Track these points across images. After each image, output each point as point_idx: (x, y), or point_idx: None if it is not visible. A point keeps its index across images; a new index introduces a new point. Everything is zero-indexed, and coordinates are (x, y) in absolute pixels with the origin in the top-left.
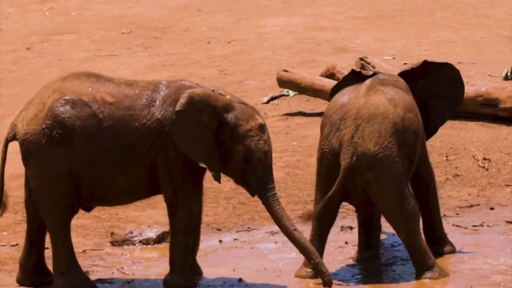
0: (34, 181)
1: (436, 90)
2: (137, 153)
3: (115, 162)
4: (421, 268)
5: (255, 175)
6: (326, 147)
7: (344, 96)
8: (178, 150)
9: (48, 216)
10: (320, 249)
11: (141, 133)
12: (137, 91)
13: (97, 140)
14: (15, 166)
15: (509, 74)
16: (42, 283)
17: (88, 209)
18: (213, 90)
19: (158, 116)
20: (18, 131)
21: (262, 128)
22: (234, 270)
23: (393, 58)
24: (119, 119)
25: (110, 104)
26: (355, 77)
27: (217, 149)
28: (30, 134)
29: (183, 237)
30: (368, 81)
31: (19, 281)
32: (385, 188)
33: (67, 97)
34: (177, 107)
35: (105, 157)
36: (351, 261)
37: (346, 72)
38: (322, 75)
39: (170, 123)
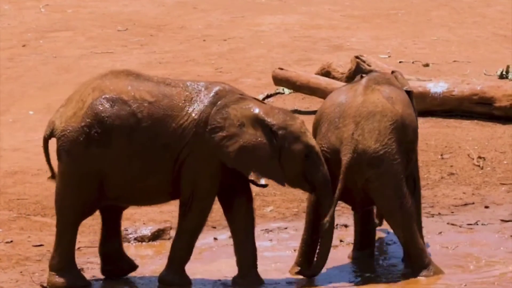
0: (59, 176)
1: None
2: (171, 153)
3: (149, 161)
4: (417, 267)
5: (318, 169)
6: (324, 145)
7: (341, 95)
8: (212, 154)
9: (61, 213)
10: (313, 247)
11: (177, 133)
12: (175, 91)
13: (134, 140)
14: (10, 163)
15: (504, 73)
16: (124, 271)
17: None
18: (241, 95)
19: (195, 117)
20: (56, 128)
21: (304, 124)
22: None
23: (389, 57)
24: (158, 118)
25: (149, 103)
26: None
27: (275, 155)
28: (68, 131)
29: (189, 237)
30: (364, 81)
31: (102, 270)
32: (385, 185)
33: (107, 96)
34: (211, 126)
35: (140, 156)
36: (346, 260)
37: (341, 70)
38: (317, 73)
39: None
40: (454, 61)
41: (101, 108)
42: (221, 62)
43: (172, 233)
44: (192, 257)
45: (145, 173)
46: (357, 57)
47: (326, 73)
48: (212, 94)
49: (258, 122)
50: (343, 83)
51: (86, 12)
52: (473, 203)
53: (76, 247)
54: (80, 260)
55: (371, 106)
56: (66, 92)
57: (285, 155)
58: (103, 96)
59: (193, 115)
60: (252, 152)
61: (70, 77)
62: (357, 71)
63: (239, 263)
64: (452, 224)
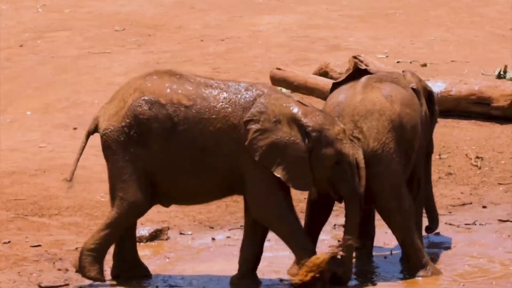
0: (110, 175)
1: None
2: (212, 157)
3: (188, 165)
4: (415, 266)
5: (345, 179)
6: None
7: (341, 94)
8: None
9: (117, 208)
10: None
11: (215, 137)
12: (215, 93)
13: (171, 143)
14: (7, 163)
15: (502, 72)
16: (136, 276)
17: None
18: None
19: (234, 122)
20: (100, 124)
21: (345, 132)
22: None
23: (387, 57)
24: (194, 123)
25: (186, 107)
26: (357, 75)
27: (306, 157)
28: (110, 130)
29: (294, 241)
30: (363, 79)
31: (113, 273)
32: (383, 184)
33: (146, 98)
34: (247, 117)
35: (178, 160)
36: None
37: (339, 70)
38: (315, 73)
39: (246, 135)
40: (452, 61)
41: (139, 110)
42: (219, 62)
43: (170, 233)
44: (189, 257)
45: (187, 176)
46: (355, 57)
47: (323, 73)
48: (249, 96)
49: (294, 121)
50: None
51: (83, 12)
52: (471, 203)
53: (74, 247)
54: None
55: (369, 105)
56: (63, 92)
57: (314, 158)
58: (142, 98)
59: (232, 119)
60: (282, 150)
61: (68, 77)
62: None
63: (240, 262)
64: (450, 224)
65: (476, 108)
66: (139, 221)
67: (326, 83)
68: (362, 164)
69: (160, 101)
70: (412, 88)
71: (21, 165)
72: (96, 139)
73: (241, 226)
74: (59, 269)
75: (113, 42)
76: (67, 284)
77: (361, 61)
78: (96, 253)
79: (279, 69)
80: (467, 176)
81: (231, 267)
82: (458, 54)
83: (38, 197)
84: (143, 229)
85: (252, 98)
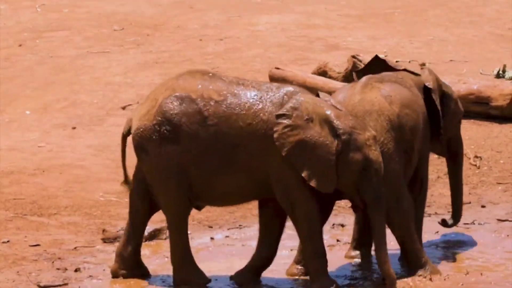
0: (149, 176)
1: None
2: (241, 153)
3: (218, 161)
4: (414, 266)
5: (371, 186)
6: None
7: (340, 94)
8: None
9: (167, 209)
10: None
11: (245, 133)
12: (246, 90)
13: (201, 138)
14: (6, 163)
15: (500, 72)
16: (136, 275)
17: (198, 207)
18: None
19: (264, 118)
20: (132, 125)
21: (376, 139)
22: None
23: (385, 56)
24: (224, 117)
25: (216, 102)
26: (379, 64)
27: (333, 158)
28: (141, 129)
29: (310, 243)
30: (364, 78)
31: (114, 271)
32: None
33: (177, 94)
34: (280, 111)
35: (208, 155)
36: (343, 259)
37: (338, 70)
38: (314, 73)
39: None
40: (451, 60)
41: (170, 106)
42: (218, 62)
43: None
44: None
45: (218, 172)
46: (353, 57)
47: (322, 72)
48: (281, 94)
49: (326, 122)
50: (340, 83)
51: (82, 12)
52: (470, 203)
53: (73, 246)
54: (77, 259)
55: (367, 105)
56: (62, 91)
57: (342, 161)
58: (173, 95)
59: (261, 114)
60: (311, 149)
61: (66, 76)
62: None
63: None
64: None
65: (474, 107)
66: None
67: (325, 82)
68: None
69: (190, 96)
70: (426, 87)
71: (20, 164)
72: (95, 138)
73: (240, 225)
74: (58, 269)
75: (111, 42)
76: (66, 284)
77: (360, 61)
78: (181, 261)
79: (278, 68)
80: (466, 175)
81: (230, 267)
82: (456, 54)
83: (37, 197)
84: None
85: (283, 95)
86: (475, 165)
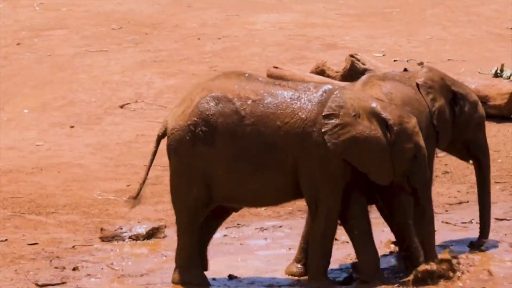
0: (171, 175)
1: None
2: (278, 153)
3: (255, 161)
4: (412, 265)
5: (421, 171)
6: None
7: None
8: (322, 152)
9: (178, 211)
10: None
11: (282, 132)
12: (283, 90)
13: (238, 138)
14: (4, 161)
15: (498, 71)
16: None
17: (230, 209)
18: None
19: (302, 116)
20: (168, 126)
21: (418, 124)
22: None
23: (383, 55)
24: (261, 117)
25: (253, 101)
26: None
27: (387, 149)
28: (176, 129)
29: (322, 242)
30: (365, 76)
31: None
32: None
33: (214, 94)
34: (326, 112)
35: (245, 155)
36: (341, 258)
37: (336, 69)
38: (312, 72)
39: (315, 126)
40: (449, 59)
41: (206, 107)
42: (216, 61)
43: (167, 231)
44: None
45: (254, 173)
46: (351, 56)
47: (320, 71)
48: (319, 93)
49: (374, 115)
50: (338, 82)
51: (80, 11)
52: (468, 202)
53: (71, 245)
54: (75, 258)
55: None
56: (60, 90)
57: (395, 152)
58: (209, 95)
59: (300, 114)
60: (363, 143)
61: (65, 75)
62: (352, 70)
63: (360, 265)
64: (447, 223)
65: None
66: (136, 219)
67: (323, 81)
68: None
69: (227, 96)
70: (417, 84)
71: (18, 163)
72: (93, 137)
73: (238, 224)
74: (56, 267)
75: (110, 40)
76: (64, 282)
77: (358, 60)
78: (185, 262)
79: (276, 67)
80: (463, 174)
81: (228, 265)
82: (455, 53)
83: (35, 195)
84: (140, 227)
85: (321, 93)
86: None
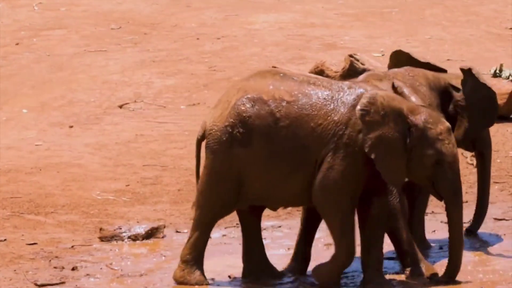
0: (204, 172)
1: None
2: (311, 154)
3: (290, 162)
4: (409, 264)
5: (446, 179)
6: None
7: None
8: (350, 153)
9: (202, 207)
10: (308, 246)
11: (316, 133)
12: (317, 90)
13: (273, 139)
14: (3, 161)
15: (497, 71)
16: (265, 277)
17: (273, 208)
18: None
19: (335, 118)
20: (206, 128)
21: (450, 131)
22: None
23: (382, 55)
24: (296, 118)
25: (287, 102)
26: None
27: (404, 154)
28: (214, 130)
29: (340, 238)
30: (362, 76)
31: (244, 274)
32: None
33: (249, 95)
34: (359, 107)
35: (280, 157)
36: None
37: (335, 69)
38: (311, 72)
39: (348, 127)
40: (448, 59)
41: (243, 108)
42: (215, 61)
43: (166, 231)
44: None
45: (288, 174)
46: (350, 56)
47: (319, 71)
48: (352, 94)
49: (401, 117)
50: None
51: (79, 10)
52: (467, 202)
53: (70, 245)
54: (74, 258)
55: None
56: (59, 90)
57: (415, 157)
58: (245, 96)
59: (333, 115)
60: (387, 144)
61: (64, 75)
62: (351, 70)
63: (363, 266)
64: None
65: None
66: (135, 219)
67: None
68: None
69: (262, 98)
70: (392, 85)
71: (17, 163)
72: (92, 136)
73: (237, 224)
74: (55, 267)
75: (109, 40)
76: (63, 282)
77: (357, 60)
78: (193, 261)
79: (275, 67)
80: (462, 174)
81: (227, 265)
82: (453, 53)
83: (34, 195)
84: (139, 227)
85: (355, 96)
86: (472, 164)
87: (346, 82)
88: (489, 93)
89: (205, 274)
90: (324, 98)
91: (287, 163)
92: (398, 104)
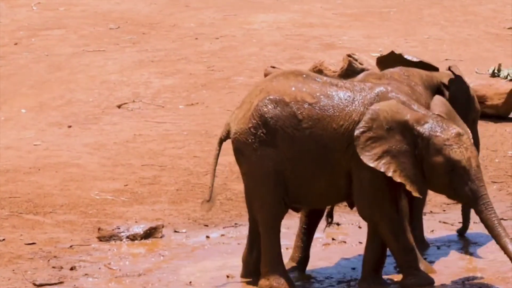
0: (245, 178)
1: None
2: (334, 155)
3: (314, 164)
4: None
5: (464, 184)
6: None
7: None
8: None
9: (259, 212)
10: (307, 244)
11: (338, 134)
12: (339, 92)
13: (296, 141)
14: (2, 161)
15: (496, 71)
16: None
17: (296, 209)
18: (404, 102)
19: (355, 119)
20: (231, 130)
21: (459, 135)
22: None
23: (381, 55)
24: (317, 120)
25: (309, 104)
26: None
27: (417, 165)
28: (239, 133)
29: (393, 242)
30: (360, 76)
31: (243, 277)
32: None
33: (271, 97)
34: (359, 126)
35: (304, 158)
36: (338, 258)
37: (333, 68)
38: None
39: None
40: (446, 59)
41: (265, 110)
42: (214, 60)
43: (165, 231)
44: (184, 255)
45: (314, 175)
46: (349, 56)
47: (318, 71)
48: (373, 95)
49: (407, 129)
50: None
51: (78, 10)
52: None
53: (68, 245)
54: (72, 258)
55: None
56: (58, 90)
57: (426, 166)
58: (267, 98)
59: (353, 115)
60: (396, 157)
61: (62, 75)
62: (349, 70)
63: (363, 265)
64: (444, 223)
65: None
66: (133, 218)
67: None
68: None
69: (284, 99)
70: (444, 83)
71: (16, 163)
72: (91, 136)
73: (235, 224)
74: (53, 267)
75: (107, 40)
76: (62, 282)
77: (356, 60)
78: (271, 267)
79: (273, 67)
80: None
81: (225, 265)
82: (452, 53)
83: (33, 195)
84: (137, 227)
85: (374, 96)
86: None
87: (369, 83)
88: (464, 86)
89: (205, 274)
90: (346, 99)
91: (310, 164)
92: (403, 116)
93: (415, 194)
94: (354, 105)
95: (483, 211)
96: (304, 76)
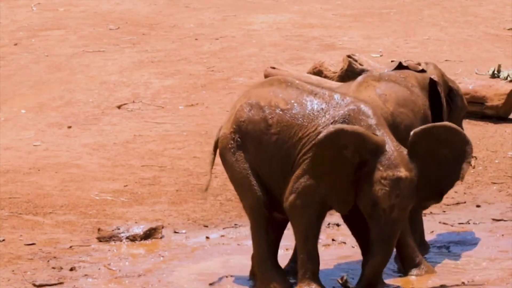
0: (231, 182)
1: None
2: (292, 163)
3: (279, 171)
4: (408, 266)
5: (378, 224)
6: None
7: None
8: None
9: (248, 215)
10: None
11: (300, 144)
12: (314, 101)
13: (263, 146)
14: (2, 162)
15: (496, 72)
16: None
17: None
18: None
19: (321, 131)
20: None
21: (398, 181)
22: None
23: (381, 56)
24: (286, 126)
25: (281, 110)
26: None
27: (352, 183)
28: (222, 138)
29: (303, 242)
30: (360, 77)
31: (251, 275)
32: None
33: (249, 101)
34: (319, 138)
35: (269, 164)
36: (337, 259)
37: (333, 69)
38: (309, 72)
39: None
40: (446, 60)
41: (241, 114)
42: (213, 61)
43: (164, 232)
44: (183, 256)
45: (279, 182)
46: (349, 56)
47: (318, 72)
48: (345, 113)
49: (358, 152)
50: (335, 82)
51: (77, 11)
52: (465, 202)
53: (68, 246)
54: (72, 258)
55: None
56: (58, 90)
57: (358, 189)
58: (246, 102)
59: (320, 128)
60: (328, 165)
61: (62, 75)
62: (349, 70)
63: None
64: (444, 223)
65: (470, 107)
66: (133, 219)
67: (320, 82)
68: None
69: (259, 104)
70: (432, 80)
71: (15, 163)
72: (90, 137)
73: (235, 225)
74: (53, 268)
75: (107, 40)
76: (61, 283)
77: (356, 60)
78: (265, 263)
79: (273, 68)
80: None
81: (225, 266)
82: (452, 54)
83: (32, 196)
84: (137, 227)
85: (343, 112)
86: (470, 165)
87: (348, 98)
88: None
89: (204, 274)
90: (318, 111)
91: (275, 170)
92: (361, 141)
93: (338, 206)
94: (324, 118)
95: (376, 256)
96: (288, 83)
